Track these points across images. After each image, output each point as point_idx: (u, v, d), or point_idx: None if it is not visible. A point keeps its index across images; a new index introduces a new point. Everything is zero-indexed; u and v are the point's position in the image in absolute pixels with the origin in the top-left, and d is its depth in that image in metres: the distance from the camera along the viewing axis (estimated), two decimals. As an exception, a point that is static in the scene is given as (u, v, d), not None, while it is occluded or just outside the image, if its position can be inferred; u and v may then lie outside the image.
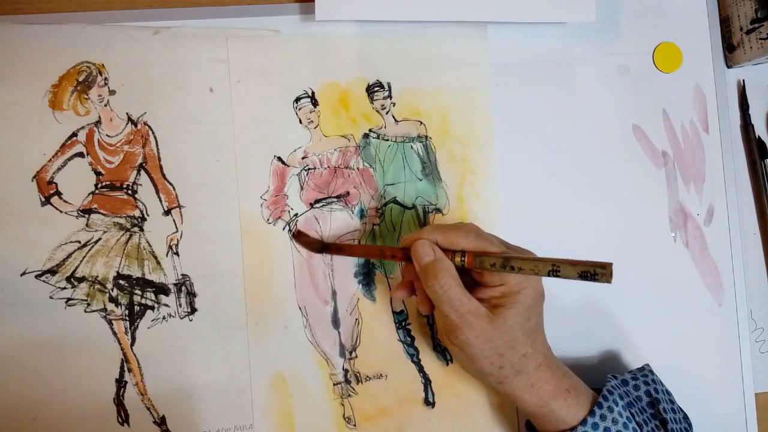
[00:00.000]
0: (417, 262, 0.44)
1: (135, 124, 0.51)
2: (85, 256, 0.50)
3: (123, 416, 0.50)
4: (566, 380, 0.45)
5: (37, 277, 0.49)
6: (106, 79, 0.51)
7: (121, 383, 0.50)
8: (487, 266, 0.42)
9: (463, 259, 0.43)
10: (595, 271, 0.37)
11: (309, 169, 0.53)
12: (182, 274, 0.51)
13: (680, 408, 0.49)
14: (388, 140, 0.54)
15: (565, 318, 0.54)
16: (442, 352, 0.53)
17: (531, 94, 0.55)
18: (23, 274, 0.49)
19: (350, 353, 0.53)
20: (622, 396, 0.45)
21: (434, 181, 0.54)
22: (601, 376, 0.54)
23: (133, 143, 0.51)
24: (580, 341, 0.55)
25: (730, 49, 0.57)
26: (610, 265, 0.36)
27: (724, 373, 0.56)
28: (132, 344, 0.50)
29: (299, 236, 0.52)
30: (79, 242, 0.50)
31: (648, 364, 0.51)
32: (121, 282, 0.50)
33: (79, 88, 0.51)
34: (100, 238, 0.50)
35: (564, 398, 0.44)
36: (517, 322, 0.42)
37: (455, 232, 0.44)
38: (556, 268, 0.38)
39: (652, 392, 0.48)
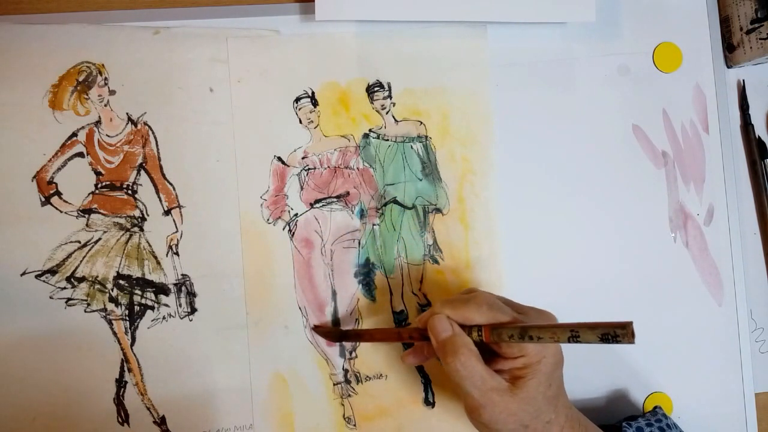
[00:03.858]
0: (434, 338, 0.42)
1: (135, 124, 0.51)
2: (85, 256, 0.50)
3: (123, 416, 0.50)
4: None
5: (37, 277, 0.49)
6: (106, 79, 0.51)
7: (121, 383, 0.50)
8: (505, 338, 0.40)
9: (480, 334, 0.41)
10: (616, 333, 0.35)
11: (309, 169, 0.53)
12: (182, 274, 0.51)
13: None
14: (388, 140, 0.54)
15: (565, 318, 0.54)
16: (442, 352, 0.53)
17: (531, 94, 0.55)
18: (23, 274, 0.49)
19: (350, 353, 0.53)
20: None
21: (434, 181, 0.54)
22: (602, 378, 0.54)
23: (133, 143, 0.51)
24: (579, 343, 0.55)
25: (730, 49, 0.57)
26: (630, 324, 0.34)
27: (724, 373, 0.56)
28: (132, 344, 0.50)
29: (316, 329, 0.52)
30: (79, 242, 0.50)
31: (659, 406, 0.51)
32: (121, 282, 0.50)
33: (79, 88, 0.51)
34: (100, 238, 0.50)
35: None
36: (539, 392, 0.41)
37: (467, 306, 0.42)
38: (576, 333, 0.37)
39: None
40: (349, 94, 0.53)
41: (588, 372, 0.55)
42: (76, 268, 0.50)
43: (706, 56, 0.57)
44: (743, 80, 0.58)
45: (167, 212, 0.51)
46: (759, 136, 0.57)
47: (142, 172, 0.51)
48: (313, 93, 0.53)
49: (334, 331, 0.51)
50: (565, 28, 0.56)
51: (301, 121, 0.53)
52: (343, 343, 0.53)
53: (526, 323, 0.41)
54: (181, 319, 0.51)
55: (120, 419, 0.50)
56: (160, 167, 0.51)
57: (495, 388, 0.41)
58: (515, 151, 0.55)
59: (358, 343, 0.53)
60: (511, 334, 0.40)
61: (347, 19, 0.53)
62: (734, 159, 0.57)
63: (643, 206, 0.56)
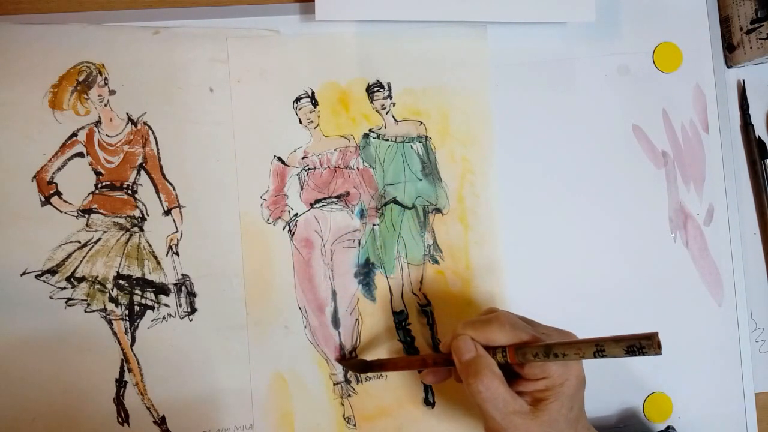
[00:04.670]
0: (457, 359, 0.42)
1: (135, 124, 0.51)
2: (85, 256, 0.50)
3: (123, 416, 0.50)
4: None
5: (37, 277, 0.49)
6: (106, 79, 0.51)
7: (121, 383, 0.50)
8: (530, 358, 0.40)
9: (504, 355, 0.41)
10: (641, 344, 0.35)
11: (309, 169, 0.53)
12: (182, 274, 0.51)
13: None
14: (388, 140, 0.54)
15: (565, 319, 0.54)
16: (442, 352, 0.54)
17: (531, 94, 0.55)
18: (23, 274, 0.49)
19: (350, 353, 0.53)
20: None
21: (434, 181, 0.54)
22: (601, 378, 0.54)
23: (133, 143, 0.51)
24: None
25: (730, 49, 0.57)
26: (655, 335, 0.34)
27: (724, 373, 0.56)
28: (132, 344, 0.50)
29: (341, 360, 0.52)
30: (79, 242, 0.50)
31: (672, 427, 0.52)
32: (121, 282, 0.50)
33: (79, 88, 0.51)
34: (100, 238, 0.50)
35: None
36: (561, 415, 0.41)
37: (489, 327, 0.42)
38: (601, 347, 0.37)
39: None
40: (349, 94, 0.53)
41: (586, 372, 0.55)
42: (76, 268, 0.50)
43: (706, 56, 0.57)
44: (743, 80, 0.58)
45: (167, 212, 0.51)
46: (759, 136, 0.57)
47: (142, 172, 0.51)
48: (313, 93, 0.53)
49: (358, 363, 0.51)
50: (565, 28, 0.56)
51: (301, 121, 0.53)
52: (343, 342, 0.53)
53: (550, 341, 0.40)
54: (181, 319, 0.51)
55: (120, 419, 0.50)
56: (160, 167, 0.51)
57: (517, 411, 0.40)
58: (515, 151, 0.55)
59: (358, 343, 0.53)
60: (535, 353, 0.39)
61: (347, 19, 0.53)
62: (734, 159, 0.57)
63: (643, 206, 0.56)
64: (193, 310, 0.51)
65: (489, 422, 0.41)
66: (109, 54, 0.51)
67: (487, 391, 0.40)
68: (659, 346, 0.34)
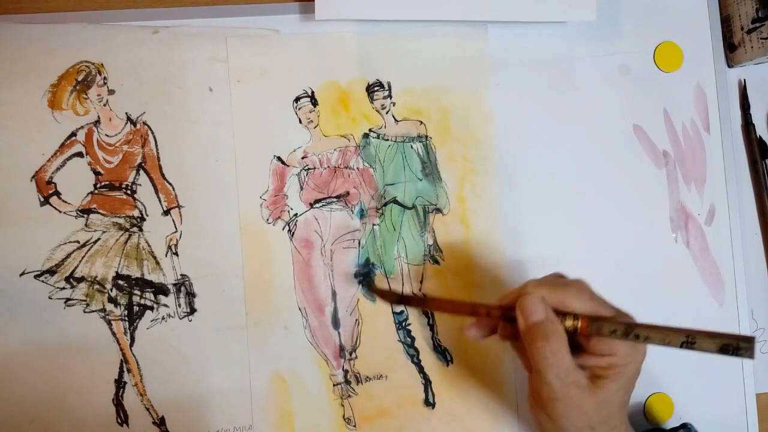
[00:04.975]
0: (524, 320, 0.39)
1: (134, 123, 0.51)
2: (84, 256, 0.50)
3: (122, 417, 0.50)
4: None
5: (36, 277, 0.49)
6: (105, 78, 0.51)
7: (120, 384, 0.50)
8: (605, 333, 0.37)
9: (575, 322, 0.38)
10: (738, 345, 0.33)
11: (309, 169, 0.53)
12: (181, 274, 0.51)
13: None
14: (388, 140, 0.54)
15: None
16: (442, 353, 0.53)
17: (531, 94, 0.55)
18: (22, 274, 0.49)
19: (350, 354, 0.53)
20: None
21: (434, 181, 0.54)
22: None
23: (132, 143, 0.51)
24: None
25: (731, 49, 0.57)
26: (753, 339, 0.33)
27: (725, 373, 0.56)
28: (131, 345, 0.50)
29: (372, 288, 0.51)
30: (78, 242, 0.50)
31: (690, 424, 0.52)
32: (120, 282, 0.50)
33: (78, 87, 0.51)
34: (99, 238, 0.50)
35: None
36: (617, 397, 0.39)
37: (566, 290, 0.39)
38: (691, 339, 0.34)
39: None
40: (348, 93, 0.53)
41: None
42: (75, 268, 0.50)
43: (707, 56, 0.57)
44: (744, 80, 0.58)
45: (166, 212, 0.51)
46: (760, 136, 0.57)
47: (142, 172, 0.51)
48: (312, 93, 0.53)
49: (391, 294, 0.48)
50: (565, 28, 0.56)
51: (300, 121, 0.53)
52: (343, 343, 0.52)
53: (631, 321, 0.38)
54: (181, 319, 0.51)
55: (119, 420, 0.50)
56: (160, 167, 0.51)
57: (575, 382, 0.38)
58: (515, 151, 0.55)
59: (358, 343, 0.53)
60: (613, 330, 0.37)
61: (347, 19, 0.53)
62: (735, 159, 0.57)
63: (644, 206, 0.56)
64: (193, 311, 0.51)
65: (545, 390, 0.39)
66: (108, 53, 0.51)
67: (554, 357, 0.38)
68: (754, 350, 0.33)
